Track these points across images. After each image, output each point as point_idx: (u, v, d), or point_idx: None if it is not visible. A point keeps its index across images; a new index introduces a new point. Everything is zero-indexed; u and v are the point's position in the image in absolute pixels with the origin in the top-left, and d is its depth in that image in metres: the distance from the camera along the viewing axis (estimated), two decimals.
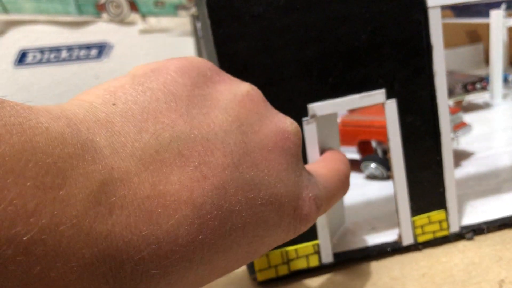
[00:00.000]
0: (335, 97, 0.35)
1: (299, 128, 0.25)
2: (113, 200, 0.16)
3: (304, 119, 0.35)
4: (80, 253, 0.14)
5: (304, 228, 0.25)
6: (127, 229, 0.16)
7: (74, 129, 0.16)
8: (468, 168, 0.53)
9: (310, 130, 0.35)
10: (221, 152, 0.20)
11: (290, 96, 0.34)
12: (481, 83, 0.74)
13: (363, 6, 0.34)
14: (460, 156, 0.56)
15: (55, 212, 0.13)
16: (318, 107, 0.35)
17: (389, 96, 0.36)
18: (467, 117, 0.75)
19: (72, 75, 1.05)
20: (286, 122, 0.24)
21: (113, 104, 0.19)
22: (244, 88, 0.23)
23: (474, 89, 0.74)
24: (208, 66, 0.23)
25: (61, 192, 0.14)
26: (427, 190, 0.38)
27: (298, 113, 0.35)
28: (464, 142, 0.60)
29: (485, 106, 0.80)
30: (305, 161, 0.35)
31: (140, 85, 0.20)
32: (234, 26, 0.33)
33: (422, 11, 0.35)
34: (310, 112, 0.35)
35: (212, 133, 0.20)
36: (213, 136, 0.20)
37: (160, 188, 0.17)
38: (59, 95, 1.07)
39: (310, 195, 0.25)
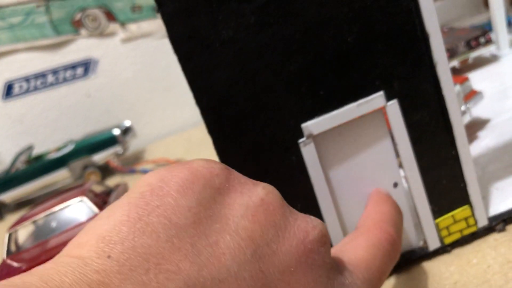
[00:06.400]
0: (330, 110, 0.31)
1: (323, 229, 0.22)
2: None
3: (300, 140, 0.31)
4: None
5: None
6: None
7: None
8: (486, 140, 0.49)
9: (309, 151, 0.32)
10: None
11: (280, 119, 0.31)
12: (485, 36, 0.70)
13: (345, 4, 0.30)
14: (476, 127, 0.52)
15: None
16: (313, 126, 0.31)
17: (389, 97, 0.32)
18: (475, 75, 0.71)
19: (63, 98, 1.02)
20: (307, 228, 0.21)
21: (108, 257, 0.16)
22: (257, 196, 0.20)
23: (479, 44, 0.70)
24: (215, 172, 0.20)
25: None
26: (447, 188, 0.35)
27: (292, 136, 0.31)
28: (477, 108, 0.56)
29: (493, 59, 0.75)
30: (309, 187, 0.32)
31: (138, 221, 0.18)
32: (205, 56, 0.29)
33: None
34: (305, 132, 0.31)
35: (223, 269, 0.18)
36: (225, 273, 0.18)
37: None
38: (54, 120, 1.04)
39: None
